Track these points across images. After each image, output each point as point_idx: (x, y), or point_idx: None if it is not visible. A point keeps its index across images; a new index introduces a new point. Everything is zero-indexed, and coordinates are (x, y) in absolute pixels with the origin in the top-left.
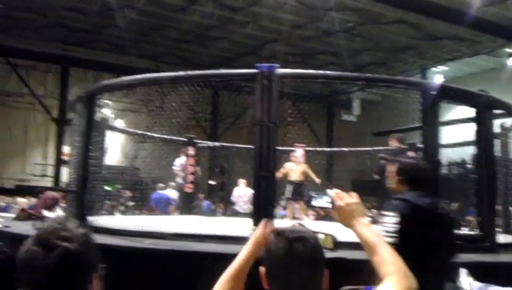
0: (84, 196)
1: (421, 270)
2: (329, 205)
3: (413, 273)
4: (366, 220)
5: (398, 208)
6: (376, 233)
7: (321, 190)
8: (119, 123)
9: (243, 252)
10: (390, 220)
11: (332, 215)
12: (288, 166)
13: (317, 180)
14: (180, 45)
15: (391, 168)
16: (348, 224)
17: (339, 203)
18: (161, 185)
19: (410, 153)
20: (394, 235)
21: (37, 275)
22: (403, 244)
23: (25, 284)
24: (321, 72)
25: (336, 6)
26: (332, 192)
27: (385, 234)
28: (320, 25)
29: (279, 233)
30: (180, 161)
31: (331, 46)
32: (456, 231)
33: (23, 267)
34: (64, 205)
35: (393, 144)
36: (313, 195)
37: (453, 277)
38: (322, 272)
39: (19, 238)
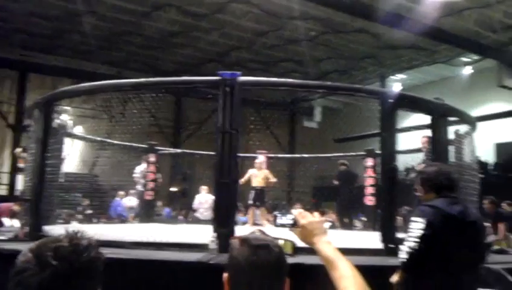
0: (39, 205)
1: (449, 275)
2: (293, 223)
3: (441, 278)
4: (327, 238)
5: (425, 214)
6: (336, 250)
7: (283, 198)
8: (79, 129)
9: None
10: (417, 225)
11: (295, 233)
12: (250, 172)
13: (274, 180)
14: (144, 51)
15: (417, 180)
16: (310, 242)
17: (302, 222)
18: (121, 192)
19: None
20: (418, 240)
21: None
22: (430, 250)
23: None
24: (282, 80)
25: (299, 15)
26: (296, 211)
27: (410, 239)
28: (283, 33)
29: (243, 240)
30: (140, 168)
31: (294, 54)
32: (485, 238)
33: (15, 284)
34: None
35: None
36: (278, 214)
37: (488, 281)
38: (285, 280)
39: None
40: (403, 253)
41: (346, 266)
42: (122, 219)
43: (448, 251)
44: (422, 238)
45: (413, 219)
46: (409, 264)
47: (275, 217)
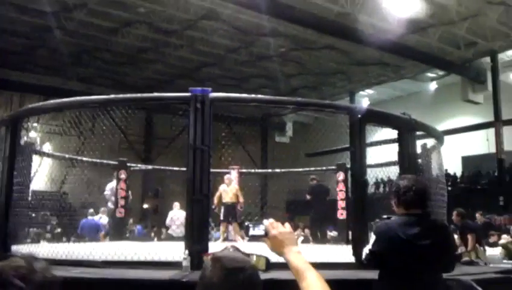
0: (7, 224)
1: (395, 285)
2: (264, 234)
3: (390, 285)
4: (297, 248)
5: (377, 231)
6: (305, 260)
7: (256, 213)
8: (47, 146)
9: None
10: (371, 239)
11: (266, 243)
12: (221, 188)
13: (241, 203)
14: (113, 67)
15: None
16: (280, 252)
17: (272, 232)
18: (91, 210)
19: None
20: (367, 252)
21: None
22: (377, 262)
23: None
24: (253, 96)
25: (269, 32)
26: (267, 221)
27: (366, 247)
28: (254, 49)
29: (216, 260)
30: (111, 185)
31: (264, 70)
32: (450, 258)
33: None
34: None
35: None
36: (250, 225)
37: None
38: None
39: None
40: (363, 254)
41: (314, 276)
42: (94, 238)
43: (396, 266)
44: (370, 252)
45: (371, 234)
46: (366, 263)
47: (247, 227)
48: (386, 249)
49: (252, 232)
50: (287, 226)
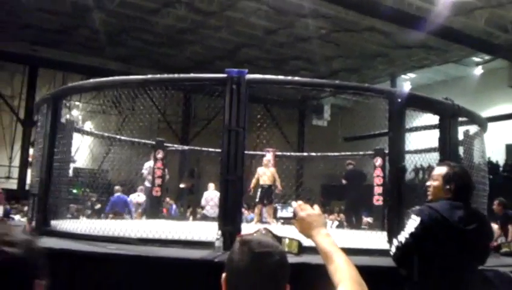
0: (47, 200)
1: (444, 277)
2: (292, 216)
3: (438, 279)
4: (326, 230)
5: (421, 214)
6: (334, 243)
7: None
8: (88, 125)
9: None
10: (412, 223)
11: (294, 225)
12: (259, 171)
13: (279, 187)
14: (153, 47)
15: (437, 172)
16: (308, 234)
17: (301, 214)
18: (118, 187)
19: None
20: (408, 236)
21: None
22: (419, 248)
23: None
24: (290, 78)
25: (310, 13)
26: (295, 203)
27: (402, 233)
28: (293, 31)
29: (244, 243)
30: (148, 164)
31: (304, 52)
32: (487, 250)
33: None
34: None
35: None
36: (278, 207)
37: (495, 283)
38: (285, 286)
39: None
40: (393, 246)
41: (342, 259)
42: (122, 214)
43: (440, 253)
44: (412, 235)
45: (411, 216)
46: (396, 257)
47: (275, 209)
48: (430, 233)
49: (280, 214)
50: (316, 208)
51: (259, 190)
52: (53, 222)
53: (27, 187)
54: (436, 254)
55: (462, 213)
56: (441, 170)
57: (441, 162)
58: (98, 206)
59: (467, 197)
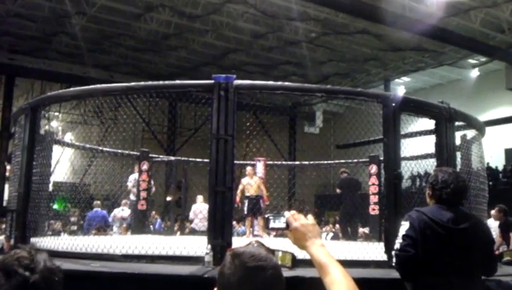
0: (26, 216)
1: (437, 279)
2: (285, 226)
3: (430, 281)
4: (321, 241)
5: (410, 218)
6: (329, 254)
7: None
8: (68, 136)
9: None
10: (402, 228)
11: (288, 236)
12: (244, 181)
13: (265, 198)
14: (136, 54)
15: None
16: (302, 245)
17: (294, 224)
18: (97, 202)
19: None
20: (401, 240)
21: None
22: (414, 250)
23: None
24: (279, 83)
25: (299, 16)
26: (288, 213)
27: (396, 241)
28: (282, 35)
29: (236, 256)
30: (133, 177)
31: (293, 56)
32: (488, 247)
33: None
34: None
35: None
36: (270, 217)
37: None
38: None
39: None
40: (393, 257)
41: (338, 270)
42: (101, 230)
43: (431, 254)
44: (405, 237)
45: (401, 222)
46: (397, 265)
47: (267, 219)
48: (420, 235)
49: (272, 224)
50: (310, 218)
51: (246, 201)
52: (33, 239)
53: (4, 203)
54: (430, 258)
55: (450, 215)
56: (432, 177)
57: (439, 167)
58: (81, 222)
59: (456, 201)
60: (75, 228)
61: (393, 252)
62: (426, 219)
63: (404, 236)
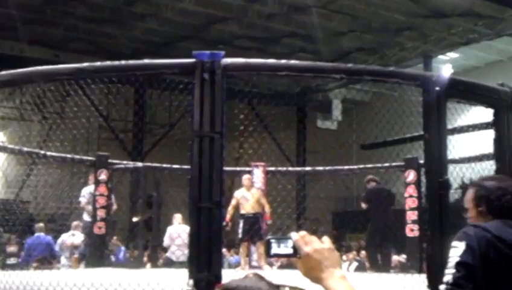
0: None
1: None
2: (292, 252)
3: None
4: (341, 272)
5: (466, 237)
6: (353, 288)
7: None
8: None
9: None
10: (455, 252)
11: (297, 266)
12: (237, 194)
13: (268, 216)
14: (90, 25)
15: (466, 200)
16: (317, 277)
17: (305, 249)
18: (40, 225)
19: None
20: (454, 271)
21: None
22: (472, 282)
23: None
24: (284, 61)
25: None
26: (297, 235)
27: (447, 272)
28: None
29: None
30: (87, 190)
31: (301, 27)
32: None
33: None
34: None
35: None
36: (272, 239)
37: None
38: None
39: None
40: None
41: None
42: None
43: (497, 286)
44: (458, 267)
45: (452, 243)
46: None
47: (268, 243)
48: (482, 259)
49: (275, 250)
50: (326, 241)
51: (241, 221)
52: None
53: None
54: (497, 286)
55: None
56: (468, 195)
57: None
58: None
59: None
60: (13, 261)
61: (441, 288)
62: (489, 236)
63: (457, 264)
